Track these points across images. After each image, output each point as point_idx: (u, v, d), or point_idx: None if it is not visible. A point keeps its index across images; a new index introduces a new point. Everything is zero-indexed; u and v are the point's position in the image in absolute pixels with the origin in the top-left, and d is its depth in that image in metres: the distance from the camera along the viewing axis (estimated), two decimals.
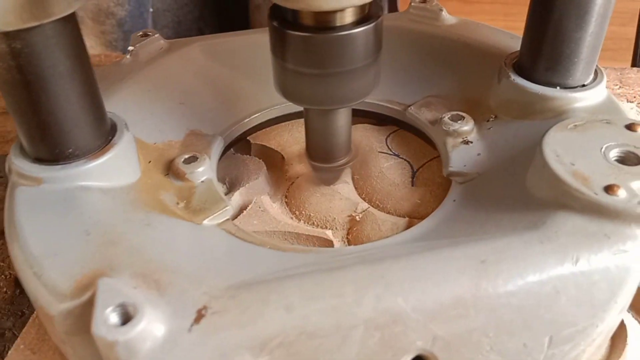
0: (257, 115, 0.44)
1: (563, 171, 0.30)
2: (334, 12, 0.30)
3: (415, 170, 0.42)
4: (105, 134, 0.34)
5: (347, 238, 0.38)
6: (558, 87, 0.37)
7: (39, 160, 0.33)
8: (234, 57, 0.46)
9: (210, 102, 0.43)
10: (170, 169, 0.37)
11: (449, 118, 0.39)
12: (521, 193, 0.32)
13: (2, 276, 0.42)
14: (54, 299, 0.27)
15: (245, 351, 0.25)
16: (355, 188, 0.41)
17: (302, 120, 0.43)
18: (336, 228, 0.38)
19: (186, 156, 0.37)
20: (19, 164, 0.33)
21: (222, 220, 0.34)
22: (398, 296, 0.26)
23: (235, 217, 0.38)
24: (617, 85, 0.59)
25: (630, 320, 0.35)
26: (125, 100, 0.40)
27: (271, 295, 0.26)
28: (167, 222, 0.32)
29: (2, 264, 0.43)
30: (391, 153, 0.43)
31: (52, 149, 0.32)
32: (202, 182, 0.36)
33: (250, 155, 0.44)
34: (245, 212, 0.38)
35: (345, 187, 0.40)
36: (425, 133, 0.42)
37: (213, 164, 0.39)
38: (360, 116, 0.45)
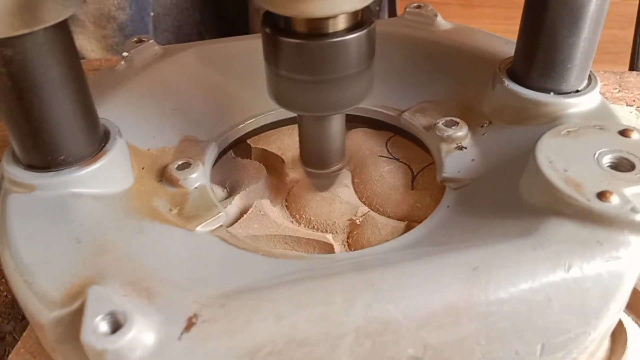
0: (251, 121, 0.44)
1: (556, 177, 0.29)
2: (327, 18, 0.30)
3: (415, 174, 0.42)
4: (98, 140, 0.34)
5: (347, 242, 0.38)
6: (552, 93, 0.37)
7: (31, 167, 0.33)
8: (228, 63, 0.46)
9: (204, 108, 0.43)
10: (163, 176, 0.37)
11: (443, 124, 0.39)
12: (514, 199, 0.32)
13: (3, 280, 0.42)
14: (44, 307, 0.27)
15: None
16: (356, 192, 0.41)
17: None
18: (336, 232, 0.38)
19: (180, 162, 0.37)
20: (11, 171, 0.33)
21: (215, 226, 0.34)
22: (389, 304, 0.26)
23: (235, 220, 0.38)
24: (616, 89, 0.59)
25: (630, 324, 0.35)
26: (119, 106, 0.40)
27: (261, 304, 0.26)
28: (159, 229, 0.32)
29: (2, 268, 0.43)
30: (391, 157, 0.43)
31: (44, 156, 0.32)
32: (196, 188, 0.36)
33: (250, 159, 0.44)
34: (245, 216, 0.38)
35: (345, 191, 0.40)
36: (419, 138, 0.42)
37: (207, 170, 0.39)
38: (354, 122, 0.45)
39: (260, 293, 0.26)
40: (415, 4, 0.49)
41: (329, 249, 0.37)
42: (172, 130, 0.41)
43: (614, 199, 0.28)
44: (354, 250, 0.37)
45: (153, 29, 0.84)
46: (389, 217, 0.39)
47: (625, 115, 0.55)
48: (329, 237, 0.38)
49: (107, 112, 0.38)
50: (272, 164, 0.44)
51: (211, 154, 0.40)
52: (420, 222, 0.34)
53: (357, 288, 0.26)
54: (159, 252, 0.30)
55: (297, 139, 0.42)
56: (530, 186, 0.31)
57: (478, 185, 0.36)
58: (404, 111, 0.43)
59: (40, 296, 0.27)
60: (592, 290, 0.27)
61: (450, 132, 0.39)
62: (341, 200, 0.40)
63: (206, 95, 0.44)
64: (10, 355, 0.35)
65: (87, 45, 0.81)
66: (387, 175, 0.42)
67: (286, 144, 0.44)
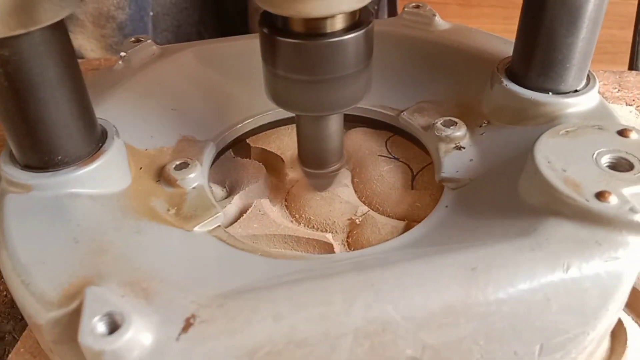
0: (249, 120, 0.44)
1: (554, 177, 0.29)
2: (324, 18, 0.30)
3: (414, 173, 0.42)
4: (96, 140, 0.34)
5: (347, 241, 0.38)
6: (550, 93, 0.37)
7: (28, 167, 0.33)
8: (226, 63, 0.46)
9: (202, 108, 0.43)
10: (161, 176, 0.37)
11: (441, 124, 0.39)
12: (513, 199, 0.32)
13: (2, 280, 0.42)
14: (41, 307, 0.26)
15: None
16: (355, 191, 0.41)
17: None
18: (336, 231, 0.38)
19: (177, 162, 0.37)
20: (8, 171, 0.32)
21: (213, 227, 0.34)
22: (388, 304, 0.26)
23: (235, 220, 0.38)
24: (616, 88, 0.59)
25: (630, 323, 0.35)
26: (116, 106, 0.40)
27: (259, 304, 0.26)
28: (157, 229, 0.32)
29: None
30: (391, 156, 0.43)
31: (41, 156, 0.32)
32: (194, 188, 0.36)
33: (250, 158, 0.44)
34: (245, 215, 0.38)
35: (345, 191, 0.40)
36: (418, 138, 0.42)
37: (205, 170, 0.38)
38: (353, 122, 0.45)
39: (259, 293, 0.26)
40: (414, 4, 0.49)
41: (328, 248, 0.37)
42: (170, 130, 0.41)
43: (613, 199, 0.28)
44: (353, 249, 0.37)
45: (152, 29, 0.84)
46: (388, 216, 0.39)
47: (625, 115, 0.55)
48: (329, 237, 0.38)
49: (105, 112, 0.38)
50: (272, 164, 0.44)
51: (209, 154, 0.40)
52: (420, 222, 0.34)
53: (356, 288, 0.26)
54: (157, 253, 0.30)
55: (296, 138, 0.42)
56: (529, 186, 0.31)
57: (476, 185, 0.36)
58: (402, 111, 0.43)
59: (37, 296, 0.27)
60: (591, 291, 0.27)
61: (448, 132, 0.38)
62: (341, 199, 0.40)
63: (204, 95, 0.44)
64: (10, 355, 0.35)
65: (87, 44, 0.80)
66: (386, 174, 0.42)
67: (286, 144, 0.44)
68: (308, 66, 0.31)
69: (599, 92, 0.37)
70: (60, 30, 0.29)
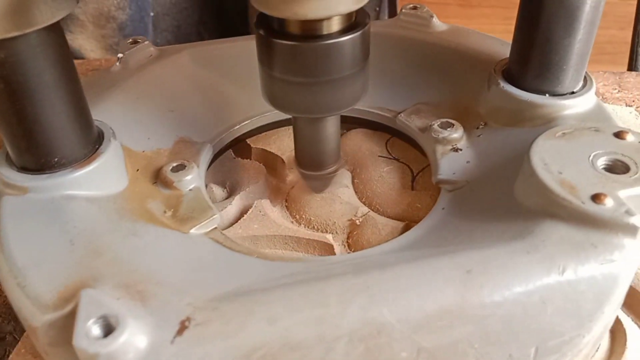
0: (246, 122, 0.44)
1: (550, 180, 0.29)
2: (321, 20, 0.30)
3: (415, 174, 0.42)
4: (92, 142, 0.34)
5: (347, 242, 0.38)
6: (547, 95, 0.37)
7: (24, 169, 0.33)
8: (223, 64, 0.46)
9: (199, 110, 0.43)
10: (158, 177, 0.37)
11: (438, 125, 0.39)
12: (509, 201, 0.32)
13: None
14: (37, 310, 0.26)
15: None
16: (356, 192, 0.41)
17: None
18: (336, 232, 0.38)
19: (174, 164, 0.37)
20: (4, 173, 0.32)
21: (209, 229, 0.34)
22: (383, 307, 0.26)
23: (235, 221, 0.38)
24: (615, 89, 0.59)
25: (629, 324, 0.35)
26: (113, 108, 0.40)
27: (254, 307, 0.26)
28: (153, 232, 0.32)
29: None
30: (391, 157, 0.43)
31: (37, 158, 0.32)
32: (190, 190, 0.36)
33: (250, 159, 0.44)
34: (245, 216, 0.38)
35: (345, 191, 0.40)
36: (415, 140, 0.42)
37: (202, 172, 0.38)
38: (350, 123, 0.45)
39: (255, 296, 0.26)
40: (411, 5, 0.49)
41: (329, 249, 0.37)
42: (167, 131, 0.41)
43: (609, 202, 0.28)
44: (354, 250, 0.37)
45: (152, 29, 0.84)
46: (389, 217, 0.39)
47: (625, 116, 0.54)
48: (329, 238, 0.38)
49: (102, 113, 0.38)
50: (272, 164, 0.44)
51: (206, 155, 0.40)
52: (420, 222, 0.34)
53: (352, 291, 0.26)
54: (153, 255, 0.30)
55: None
56: (525, 188, 0.31)
57: (473, 187, 0.36)
58: (399, 112, 0.43)
59: (33, 299, 0.27)
60: (587, 293, 0.27)
61: (445, 133, 0.38)
62: (341, 200, 0.40)
63: (201, 96, 0.44)
64: (10, 356, 0.35)
65: (87, 45, 0.81)
66: (387, 175, 0.42)
67: (286, 145, 0.44)
68: (304, 68, 0.31)
69: (599, 93, 0.37)
70: (56, 32, 0.29)
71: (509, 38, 0.38)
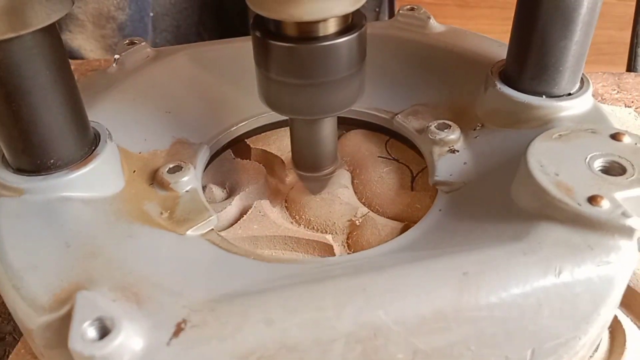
0: (243, 123, 0.44)
1: (547, 181, 0.29)
2: (317, 22, 0.30)
3: (414, 175, 0.42)
4: (88, 144, 0.34)
5: (347, 242, 0.38)
6: (544, 96, 0.37)
7: (20, 170, 0.33)
8: (220, 65, 0.46)
9: (196, 111, 0.43)
10: (154, 179, 0.37)
11: (435, 127, 0.39)
12: (506, 203, 0.32)
13: None
14: (32, 312, 0.26)
15: None
16: (355, 193, 0.41)
17: None
18: (336, 232, 0.38)
19: (171, 165, 0.37)
20: (0, 175, 0.32)
21: (206, 230, 0.34)
22: (379, 309, 0.26)
23: (235, 221, 0.38)
24: (615, 90, 0.59)
25: (628, 325, 0.35)
26: (110, 109, 0.40)
27: (251, 309, 0.26)
28: (149, 233, 0.32)
29: None
30: (391, 158, 0.43)
31: (33, 160, 0.32)
32: (187, 191, 0.36)
33: (250, 159, 0.44)
34: (245, 216, 0.38)
35: (345, 192, 0.40)
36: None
37: (198, 173, 0.38)
38: (347, 124, 0.45)
39: (251, 298, 0.26)
40: (408, 7, 0.49)
41: (328, 249, 0.37)
42: (163, 133, 0.41)
43: (605, 204, 0.28)
44: (353, 250, 0.37)
45: (152, 29, 0.84)
46: (388, 217, 0.39)
47: (624, 117, 0.54)
48: (329, 238, 0.38)
49: (99, 115, 0.38)
50: (272, 165, 0.44)
51: (203, 156, 0.40)
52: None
53: (348, 293, 0.26)
54: (149, 257, 0.30)
55: None
56: (522, 190, 0.31)
57: (470, 189, 0.36)
58: (396, 114, 0.43)
59: (28, 301, 0.27)
60: (583, 295, 0.27)
61: (442, 135, 0.38)
62: (341, 201, 0.40)
63: (198, 97, 0.44)
64: (10, 356, 0.34)
65: (86, 45, 0.80)
66: (386, 176, 0.42)
67: (286, 145, 0.44)
68: (301, 70, 0.31)
69: (598, 94, 0.38)
70: (51, 34, 0.29)
71: (507, 39, 0.38)
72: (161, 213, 0.34)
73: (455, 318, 0.26)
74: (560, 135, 0.33)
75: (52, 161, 0.32)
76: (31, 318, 0.26)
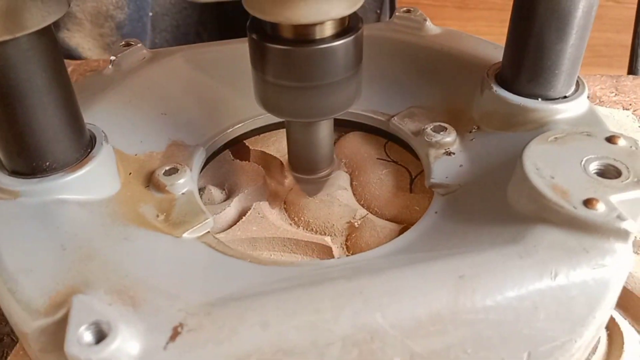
0: (239, 125, 0.44)
1: (542, 184, 0.29)
2: (313, 25, 0.30)
3: (413, 177, 0.42)
4: (84, 146, 0.34)
5: (345, 244, 0.38)
6: (540, 99, 0.37)
7: (15, 173, 0.32)
8: (217, 67, 0.46)
9: (193, 113, 0.43)
10: (150, 181, 0.37)
11: (431, 129, 0.39)
12: (502, 206, 0.32)
13: None
14: (28, 316, 0.26)
15: None
16: (354, 194, 0.41)
17: None
18: (335, 234, 0.38)
19: (167, 168, 0.37)
20: None
21: (202, 233, 0.34)
22: (376, 312, 0.26)
23: (234, 223, 0.38)
24: (612, 92, 0.59)
25: (626, 327, 0.35)
26: (106, 111, 0.40)
27: (247, 312, 0.26)
28: (145, 236, 0.32)
29: None
30: (389, 160, 0.43)
31: (29, 162, 0.32)
32: (183, 194, 0.36)
33: (249, 161, 0.44)
34: (244, 218, 0.38)
35: (344, 194, 0.41)
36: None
37: (194, 175, 0.38)
38: (343, 126, 0.45)
39: (247, 301, 0.26)
40: (405, 9, 0.49)
41: (327, 251, 0.37)
42: (159, 134, 0.41)
43: (600, 207, 0.28)
44: (352, 252, 0.37)
45: (151, 29, 0.84)
46: (387, 219, 0.39)
47: (622, 119, 0.55)
48: (328, 240, 0.38)
49: (94, 116, 0.37)
50: (271, 167, 0.44)
51: (199, 158, 0.40)
52: None
53: (345, 296, 0.26)
54: (145, 260, 0.30)
55: None
56: (518, 193, 0.31)
57: (466, 191, 0.36)
58: (393, 116, 0.43)
59: (24, 305, 0.27)
60: (578, 298, 0.27)
61: (438, 137, 0.39)
62: (340, 203, 0.40)
63: (194, 99, 0.44)
64: (8, 358, 0.34)
65: (84, 43, 0.80)
66: (385, 178, 0.42)
67: (285, 147, 0.44)
68: (297, 72, 0.31)
69: (596, 97, 0.38)
70: (47, 36, 0.29)
71: (504, 40, 0.38)
72: (157, 216, 0.34)
73: (452, 321, 0.26)
74: (556, 138, 0.33)
75: (47, 164, 0.32)
76: (26, 322, 0.26)
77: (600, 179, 0.30)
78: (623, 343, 0.34)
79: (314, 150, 0.39)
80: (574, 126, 0.35)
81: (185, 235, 0.33)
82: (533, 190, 0.30)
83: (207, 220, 0.34)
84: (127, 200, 0.35)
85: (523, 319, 0.27)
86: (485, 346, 0.27)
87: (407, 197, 0.40)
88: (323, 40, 0.31)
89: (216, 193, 0.41)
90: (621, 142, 0.32)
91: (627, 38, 0.78)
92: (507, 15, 0.37)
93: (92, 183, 0.33)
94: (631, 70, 0.77)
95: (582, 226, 0.28)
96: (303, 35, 0.30)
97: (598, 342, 0.34)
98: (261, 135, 0.45)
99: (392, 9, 0.91)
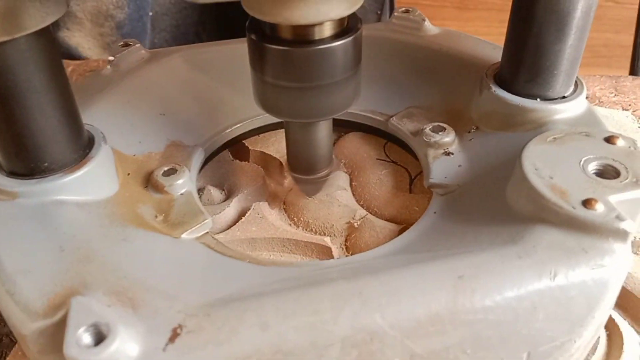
0: (238, 125, 0.44)
1: (541, 185, 0.30)
2: (313, 25, 0.30)
3: (412, 177, 0.42)
4: (82, 147, 0.34)
5: (345, 245, 0.38)
6: (538, 99, 0.37)
7: (14, 174, 0.32)
8: (215, 67, 0.46)
9: (191, 113, 0.43)
10: (149, 182, 0.36)
11: (430, 129, 0.39)
12: (501, 206, 0.32)
13: None
14: (26, 317, 0.26)
15: None
16: (354, 195, 0.41)
17: None
18: (334, 235, 0.38)
19: (165, 168, 0.37)
20: None
21: (201, 233, 0.34)
22: (375, 313, 0.26)
23: (233, 223, 0.38)
24: (612, 93, 0.59)
25: (626, 328, 0.35)
26: (104, 111, 0.40)
27: (246, 313, 0.26)
28: (144, 237, 0.32)
29: None
30: (389, 160, 0.43)
31: (27, 163, 0.32)
32: (182, 194, 0.36)
33: (248, 161, 0.44)
34: (244, 218, 0.38)
35: (343, 194, 0.41)
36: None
37: (193, 175, 0.38)
38: (342, 126, 0.45)
39: (246, 302, 0.26)
40: (403, 9, 0.49)
41: (327, 252, 0.37)
42: (158, 135, 0.41)
43: (599, 207, 0.28)
44: (352, 253, 0.37)
45: (151, 29, 0.84)
46: (386, 220, 0.39)
47: (622, 120, 0.55)
48: (327, 240, 0.38)
49: (93, 117, 0.37)
50: (271, 167, 0.44)
51: (197, 159, 0.40)
52: None
53: (344, 297, 0.26)
54: (144, 260, 0.30)
55: None
56: (517, 193, 0.31)
57: (465, 192, 0.36)
58: (391, 116, 0.43)
59: (22, 306, 0.27)
60: (577, 298, 0.27)
61: (437, 137, 0.39)
62: (339, 203, 0.40)
63: (193, 99, 0.44)
64: (7, 358, 0.34)
65: (84, 43, 0.80)
66: (384, 178, 0.42)
67: (285, 147, 0.44)
68: (296, 73, 0.31)
69: (595, 97, 0.38)
70: (46, 37, 0.29)
71: (504, 41, 0.38)
72: (156, 216, 0.34)
73: (451, 321, 0.26)
74: (554, 138, 0.33)
75: (46, 164, 0.32)
76: (25, 324, 0.26)
77: (599, 179, 0.30)
78: (622, 343, 0.34)
79: (313, 150, 0.39)
80: (572, 126, 0.35)
81: (184, 236, 0.33)
82: (532, 190, 0.30)
83: (205, 221, 0.34)
84: (126, 201, 0.35)
85: (522, 319, 0.27)
86: (485, 346, 0.27)
87: (406, 197, 0.40)
88: (322, 41, 0.31)
89: (216, 193, 0.41)
90: (620, 143, 0.32)
91: (627, 38, 0.78)
92: (506, 16, 0.37)
93: (90, 184, 0.33)
94: (633, 71, 0.77)
95: (581, 226, 0.28)
96: (302, 35, 0.30)
97: (597, 342, 0.34)
98: (261, 135, 0.45)
99: (392, 9, 0.91)
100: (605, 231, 0.28)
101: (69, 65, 0.61)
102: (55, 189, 0.32)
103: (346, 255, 0.37)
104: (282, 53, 0.31)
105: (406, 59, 0.45)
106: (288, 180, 0.42)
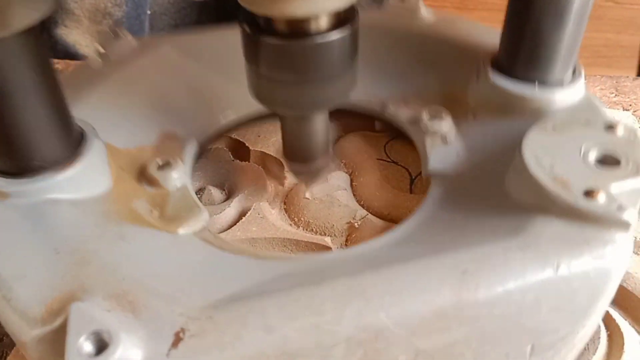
0: (232, 116, 0.43)
1: (542, 175, 0.29)
2: (308, 18, 0.29)
3: (413, 177, 0.42)
4: (74, 143, 0.33)
5: (345, 245, 0.38)
6: (536, 85, 0.36)
7: (4, 173, 0.31)
8: (207, 55, 0.45)
9: (183, 104, 0.42)
10: (143, 175, 0.36)
11: (427, 117, 0.39)
12: (500, 195, 0.32)
13: None
14: (25, 324, 0.26)
15: None
16: (354, 195, 0.41)
17: None
18: (335, 235, 0.38)
19: (159, 162, 0.36)
20: None
21: (198, 228, 0.33)
22: (379, 311, 0.26)
23: (234, 223, 0.38)
24: (612, 93, 0.59)
25: (627, 328, 0.35)
26: (94, 104, 0.39)
27: (249, 315, 0.25)
28: (140, 234, 0.31)
29: None
30: (389, 160, 0.43)
31: (17, 162, 0.31)
32: (176, 188, 0.35)
33: (249, 161, 0.44)
34: (244, 218, 0.38)
35: (344, 194, 0.40)
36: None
37: (187, 168, 0.38)
38: (337, 113, 0.45)
39: (249, 303, 0.26)
40: None
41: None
42: (150, 127, 0.40)
43: (601, 197, 0.28)
44: None
45: (149, 28, 0.83)
46: (387, 220, 0.39)
47: (622, 120, 0.55)
48: (328, 240, 0.37)
49: (83, 110, 0.36)
50: (271, 167, 0.43)
51: (191, 151, 0.39)
52: None
53: (347, 296, 0.26)
54: (142, 260, 0.30)
55: None
56: (517, 183, 0.31)
57: (463, 180, 0.35)
58: (388, 104, 0.42)
59: (19, 313, 0.26)
60: (580, 289, 0.27)
61: (435, 125, 0.38)
62: (340, 203, 0.40)
63: (186, 89, 0.43)
64: (8, 358, 0.34)
65: (82, 40, 0.79)
66: (385, 178, 0.41)
67: None
68: (291, 66, 0.31)
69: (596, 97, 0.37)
70: (34, 35, 0.28)
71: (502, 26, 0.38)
72: (151, 211, 0.34)
73: (456, 317, 0.26)
74: (554, 126, 0.32)
75: (36, 163, 0.31)
76: (23, 331, 0.26)
77: (599, 168, 0.30)
78: (623, 344, 0.34)
79: (309, 139, 0.38)
80: (572, 113, 0.35)
81: (181, 231, 0.32)
82: (533, 181, 0.29)
83: (202, 215, 0.33)
84: (120, 197, 0.34)
85: (526, 312, 0.27)
86: (490, 340, 0.27)
87: (407, 197, 0.40)
88: (318, 34, 0.30)
89: (216, 193, 0.41)
90: (620, 131, 0.32)
91: (627, 39, 0.77)
92: None
93: (83, 181, 0.33)
94: None
95: (583, 217, 0.28)
96: (297, 28, 0.29)
97: (598, 342, 0.34)
98: (261, 135, 0.45)
99: None
100: (607, 221, 0.28)
101: (70, 66, 0.60)
102: (47, 187, 0.31)
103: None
104: (277, 46, 0.30)
105: (403, 45, 0.44)
106: (288, 180, 0.41)
